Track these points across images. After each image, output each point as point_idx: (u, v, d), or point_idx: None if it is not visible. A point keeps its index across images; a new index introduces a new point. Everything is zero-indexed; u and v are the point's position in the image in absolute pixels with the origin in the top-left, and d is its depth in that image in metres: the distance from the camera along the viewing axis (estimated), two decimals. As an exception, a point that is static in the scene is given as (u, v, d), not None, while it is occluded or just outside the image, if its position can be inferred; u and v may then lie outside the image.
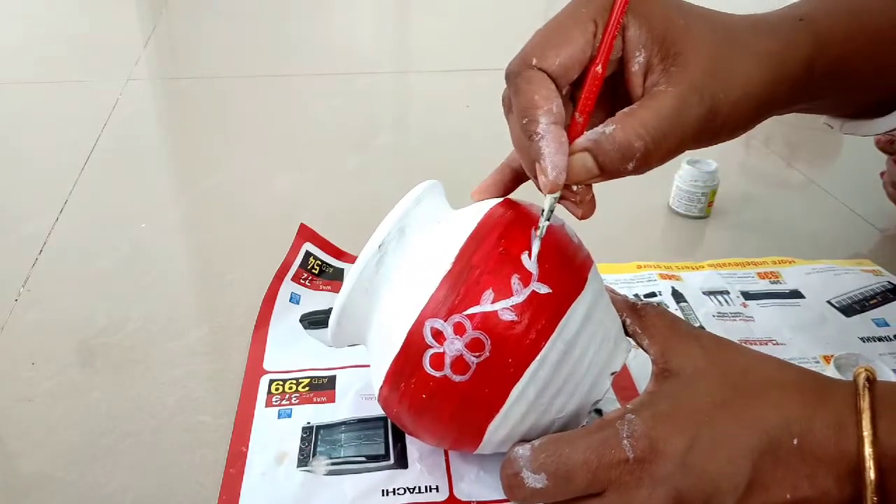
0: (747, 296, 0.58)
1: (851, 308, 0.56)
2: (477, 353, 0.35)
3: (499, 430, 0.36)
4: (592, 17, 0.34)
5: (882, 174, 0.70)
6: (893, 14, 0.40)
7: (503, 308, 0.34)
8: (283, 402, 0.47)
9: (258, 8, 1.46)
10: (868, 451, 0.30)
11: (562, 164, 0.34)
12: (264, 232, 0.68)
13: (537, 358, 0.35)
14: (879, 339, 0.53)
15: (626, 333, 0.40)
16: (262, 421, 0.46)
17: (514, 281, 0.35)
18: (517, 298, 0.35)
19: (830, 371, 0.48)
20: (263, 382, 0.49)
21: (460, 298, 0.35)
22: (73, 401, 0.48)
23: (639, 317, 0.39)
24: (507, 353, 0.35)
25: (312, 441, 0.44)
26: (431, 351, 0.35)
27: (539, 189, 0.35)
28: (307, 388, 0.48)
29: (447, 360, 0.35)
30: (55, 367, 0.51)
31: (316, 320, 0.55)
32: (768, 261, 0.62)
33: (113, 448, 0.45)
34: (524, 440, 0.37)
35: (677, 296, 0.57)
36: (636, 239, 0.68)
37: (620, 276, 0.60)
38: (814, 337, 0.53)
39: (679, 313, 0.55)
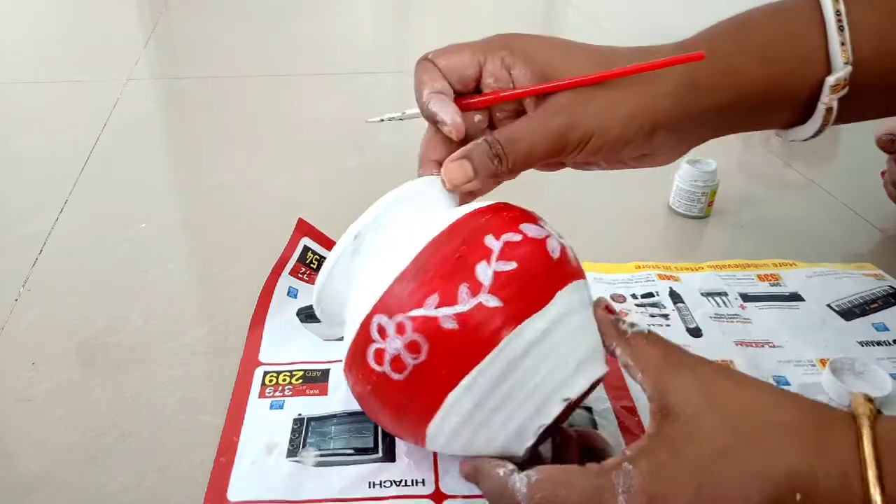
0: (746, 298, 0.57)
1: (851, 312, 0.56)
2: (414, 356, 0.35)
3: (437, 436, 0.37)
4: (486, 52, 0.41)
5: (883, 173, 0.70)
6: (776, 27, 0.42)
7: (445, 315, 0.34)
8: (276, 394, 0.48)
9: (258, 8, 1.46)
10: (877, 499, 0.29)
11: (453, 111, 0.40)
12: (264, 232, 0.68)
13: (473, 371, 0.34)
14: (878, 344, 0.52)
15: (615, 357, 0.38)
16: (254, 411, 0.47)
17: (462, 289, 0.34)
18: (461, 308, 0.34)
19: (826, 375, 0.48)
20: (258, 374, 0.50)
21: (406, 299, 0.35)
22: (73, 401, 0.48)
23: (629, 346, 0.37)
24: (443, 360, 0.34)
25: (303, 432, 0.45)
26: (375, 346, 0.36)
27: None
28: (300, 381, 0.49)
29: (387, 357, 0.35)
30: (55, 367, 0.51)
31: (313, 314, 0.55)
32: (769, 263, 0.62)
33: (113, 448, 0.45)
34: (505, 458, 0.36)
35: (674, 296, 0.57)
36: (636, 238, 0.68)
37: (619, 275, 0.60)
38: (811, 340, 0.53)
39: (676, 314, 0.55)
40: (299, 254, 0.59)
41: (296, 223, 0.60)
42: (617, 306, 0.56)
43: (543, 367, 0.35)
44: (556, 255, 0.37)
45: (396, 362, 0.35)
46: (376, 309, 0.36)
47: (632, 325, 0.37)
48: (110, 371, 0.51)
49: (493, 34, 0.43)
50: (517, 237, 0.36)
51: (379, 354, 0.36)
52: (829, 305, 0.56)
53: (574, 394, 0.36)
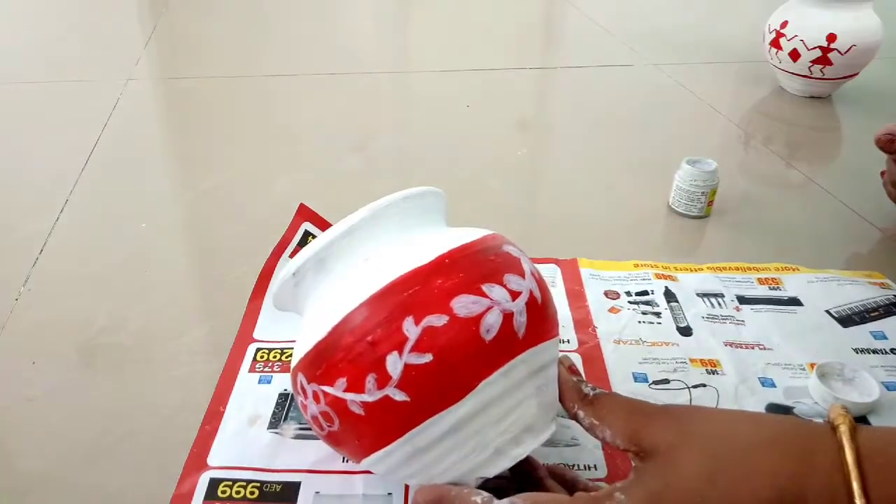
0: (742, 300, 0.57)
1: (850, 319, 0.55)
2: (328, 424, 0.35)
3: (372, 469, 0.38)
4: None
5: (882, 173, 0.70)
6: None
7: (352, 400, 0.33)
8: (266, 370, 0.50)
9: (258, 8, 1.46)
10: None
11: None
12: (264, 232, 0.68)
13: (380, 452, 0.35)
14: (874, 352, 0.52)
15: (577, 421, 0.37)
16: (242, 385, 0.49)
17: (370, 380, 0.33)
18: (367, 397, 0.33)
19: (813, 379, 0.48)
20: (250, 350, 0.52)
21: (320, 373, 0.34)
22: (73, 401, 0.48)
23: (592, 406, 0.36)
24: (354, 435, 0.35)
25: (286, 406, 0.47)
26: (300, 398, 0.37)
27: None
28: (290, 359, 0.49)
29: (308, 413, 0.36)
30: (56, 367, 0.51)
31: None
32: (771, 267, 0.61)
33: (113, 448, 0.45)
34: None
35: (669, 295, 0.57)
36: (636, 238, 0.68)
37: (615, 272, 0.60)
38: (804, 344, 0.52)
39: (668, 313, 0.55)
40: (300, 238, 0.60)
41: (297, 207, 0.61)
42: (610, 302, 0.57)
43: (456, 453, 0.34)
44: (490, 334, 0.33)
45: (316, 421, 0.36)
46: (299, 367, 0.36)
47: (593, 388, 0.36)
48: (110, 371, 0.51)
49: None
50: (442, 320, 0.33)
51: (304, 407, 0.36)
52: (827, 311, 0.56)
53: (492, 474, 0.35)
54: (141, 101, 1.00)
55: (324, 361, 0.34)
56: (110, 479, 0.43)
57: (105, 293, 0.59)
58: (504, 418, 0.35)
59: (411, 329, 0.33)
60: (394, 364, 0.32)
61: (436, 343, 0.33)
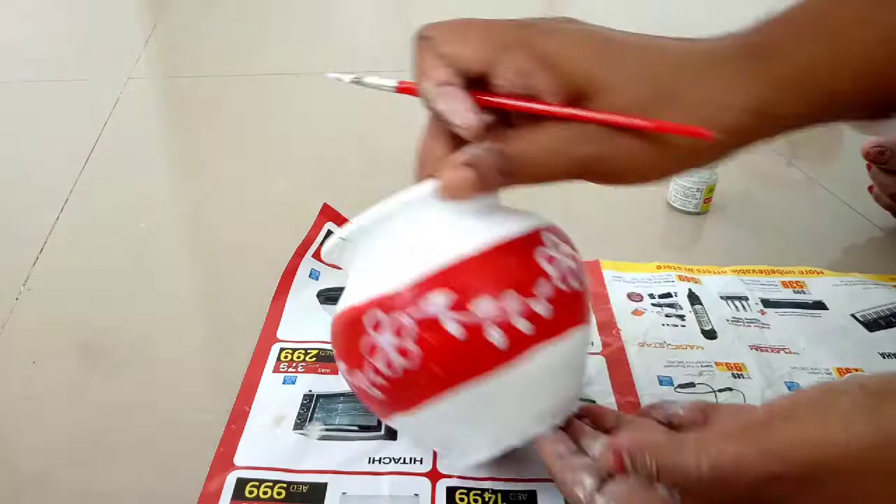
0: (767, 303, 0.56)
1: (876, 323, 0.54)
2: (402, 357, 0.35)
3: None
4: (498, 48, 0.34)
5: (870, 188, 0.69)
6: (872, 30, 0.34)
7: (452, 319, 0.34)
8: (290, 370, 0.50)
9: (258, 8, 1.45)
10: None
11: (463, 109, 0.33)
12: (264, 231, 0.68)
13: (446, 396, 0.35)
14: None
15: None
16: (267, 385, 0.49)
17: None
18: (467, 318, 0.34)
19: None
20: (274, 350, 0.52)
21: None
22: (73, 400, 0.48)
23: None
24: (426, 372, 0.35)
25: (311, 407, 0.47)
26: (370, 338, 0.36)
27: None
28: (314, 359, 0.51)
29: (376, 355, 0.36)
30: (56, 367, 0.51)
31: (332, 296, 0.57)
32: (795, 270, 0.61)
33: (113, 448, 0.45)
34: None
35: (693, 298, 0.57)
36: (634, 234, 0.68)
37: (638, 274, 0.59)
38: (830, 349, 0.51)
39: (692, 315, 0.55)
40: (323, 237, 0.60)
41: (321, 207, 0.62)
42: (633, 304, 0.56)
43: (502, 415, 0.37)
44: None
45: (385, 361, 0.36)
46: (381, 301, 0.36)
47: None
48: (110, 371, 0.51)
49: (512, 17, 0.36)
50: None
51: (371, 350, 0.36)
52: (853, 315, 0.55)
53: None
54: (141, 100, 1.00)
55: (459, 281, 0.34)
56: (110, 478, 0.43)
57: (105, 293, 0.59)
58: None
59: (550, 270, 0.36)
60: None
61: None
